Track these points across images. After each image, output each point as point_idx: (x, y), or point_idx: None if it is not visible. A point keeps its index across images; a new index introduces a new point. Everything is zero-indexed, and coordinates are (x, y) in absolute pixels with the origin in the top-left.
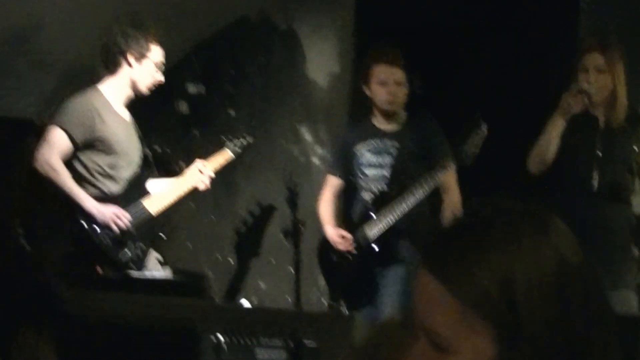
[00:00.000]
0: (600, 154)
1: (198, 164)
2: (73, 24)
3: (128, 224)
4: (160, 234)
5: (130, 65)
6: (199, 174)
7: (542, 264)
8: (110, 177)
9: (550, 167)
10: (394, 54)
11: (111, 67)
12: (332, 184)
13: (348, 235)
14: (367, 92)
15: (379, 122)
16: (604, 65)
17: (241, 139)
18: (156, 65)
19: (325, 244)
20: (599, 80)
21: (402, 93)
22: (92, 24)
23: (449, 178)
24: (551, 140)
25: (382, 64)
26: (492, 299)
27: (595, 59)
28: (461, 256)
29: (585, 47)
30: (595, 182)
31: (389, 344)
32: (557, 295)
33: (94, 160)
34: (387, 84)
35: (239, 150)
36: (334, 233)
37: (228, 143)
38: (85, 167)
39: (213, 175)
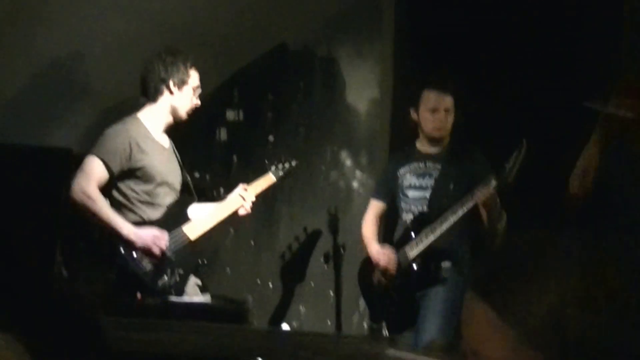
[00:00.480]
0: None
1: (240, 189)
2: (113, 55)
3: (167, 244)
4: (200, 259)
5: (171, 92)
6: (241, 199)
7: (594, 298)
8: (149, 203)
9: (591, 190)
10: (446, 80)
11: (152, 96)
12: (375, 208)
13: (392, 253)
14: (415, 117)
15: (424, 146)
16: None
17: (285, 163)
18: (194, 90)
19: (366, 266)
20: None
21: (450, 120)
22: (132, 55)
23: (489, 197)
24: (589, 164)
25: (433, 91)
26: (544, 330)
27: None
28: (516, 285)
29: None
30: None
31: None
32: (607, 329)
33: (133, 188)
34: (437, 112)
35: (282, 175)
36: (378, 250)
37: (271, 167)
38: (124, 195)
39: (254, 199)
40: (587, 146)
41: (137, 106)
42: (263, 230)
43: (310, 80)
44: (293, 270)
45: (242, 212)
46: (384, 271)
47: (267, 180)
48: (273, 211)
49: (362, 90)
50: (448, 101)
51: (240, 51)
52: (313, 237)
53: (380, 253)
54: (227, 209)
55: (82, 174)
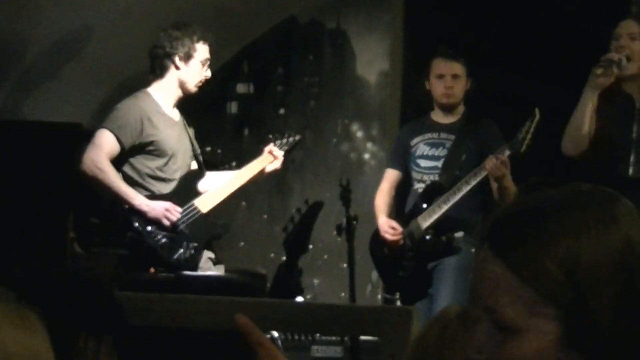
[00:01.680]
0: (636, 135)
1: (273, 148)
2: (123, 30)
3: (179, 216)
4: (213, 233)
5: (177, 67)
6: (268, 157)
7: (608, 246)
8: (161, 179)
9: (585, 147)
10: (453, 47)
11: (159, 71)
12: (390, 177)
13: (398, 227)
14: (427, 87)
15: (437, 116)
16: (638, 32)
17: (289, 138)
18: (202, 62)
19: (378, 237)
20: (632, 48)
21: (459, 86)
22: (142, 30)
23: (501, 166)
24: (583, 117)
25: (440, 58)
26: (556, 281)
27: (628, 27)
28: (526, 238)
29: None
30: (631, 167)
31: (448, 335)
32: (622, 278)
33: (144, 163)
34: (444, 78)
35: (287, 148)
36: (384, 223)
37: (276, 142)
38: (136, 170)
39: (281, 157)
40: (583, 94)
41: (147, 81)
42: (276, 204)
43: (320, 53)
44: (298, 242)
45: (271, 167)
46: (390, 245)
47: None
48: (285, 185)
49: (372, 62)
50: (456, 67)
51: (250, 24)
52: (315, 208)
53: (386, 226)
54: (241, 177)
55: (93, 147)
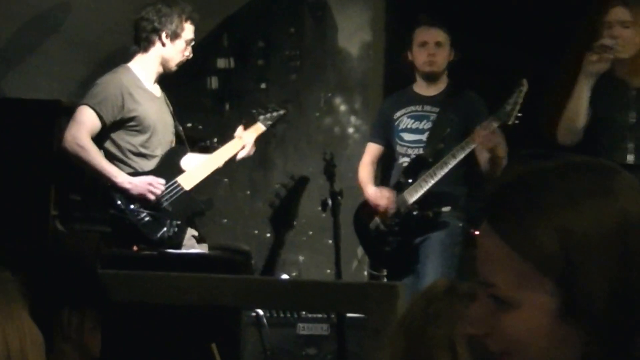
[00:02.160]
0: (633, 121)
1: (243, 133)
2: (103, 3)
3: (163, 190)
4: (196, 210)
5: (163, 44)
6: (240, 143)
7: (603, 218)
8: (143, 155)
9: (581, 137)
10: (435, 14)
11: (144, 45)
12: (371, 150)
13: (390, 194)
14: (410, 57)
15: (420, 88)
16: (630, 20)
17: (273, 112)
18: (187, 42)
19: (363, 211)
20: (624, 36)
21: (442, 54)
22: (123, 3)
23: (492, 138)
24: (579, 105)
25: (422, 26)
26: (550, 253)
27: (619, 13)
28: (520, 210)
29: (610, 1)
30: (630, 154)
31: (433, 310)
32: (617, 251)
33: (126, 140)
34: (426, 45)
35: (271, 123)
36: (374, 191)
37: (260, 117)
38: (117, 146)
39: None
40: (577, 82)
41: (127, 56)
42: (258, 180)
43: (301, 25)
44: (283, 218)
45: (245, 153)
46: (384, 212)
47: (256, 129)
48: (267, 160)
49: (354, 33)
50: (439, 34)
51: None
52: (302, 187)
53: (377, 194)
54: (223, 156)
55: (74, 124)
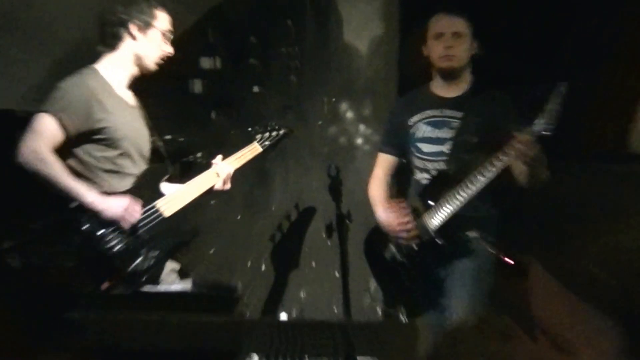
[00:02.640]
0: None
1: (217, 165)
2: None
3: (140, 216)
4: (178, 239)
5: (133, 37)
6: (215, 176)
7: None
8: (114, 172)
9: None
10: (453, 5)
11: (111, 42)
12: (383, 163)
13: (408, 215)
14: (425, 52)
15: (439, 88)
16: None
17: (273, 131)
18: (163, 34)
19: (376, 237)
20: None
21: (462, 47)
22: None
23: (529, 148)
24: None
25: (438, 15)
26: (613, 295)
27: None
28: (580, 251)
29: None
30: None
31: (463, 351)
32: None
33: (93, 155)
34: (444, 36)
35: (269, 144)
36: (388, 215)
37: (257, 136)
38: (84, 163)
39: (231, 170)
40: None
41: (95, 56)
42: (252, 201)
43: (300, 18)
44: (286, 252)
45: (218, 186)
46: (401, 236)
47: (252, 150)
48: (263, 177)
49: (363, 26)
50: (457, 24)
51: None
52: (306, 214)
53: (391, 217)
54: (201, 186)
55: (32, 134)
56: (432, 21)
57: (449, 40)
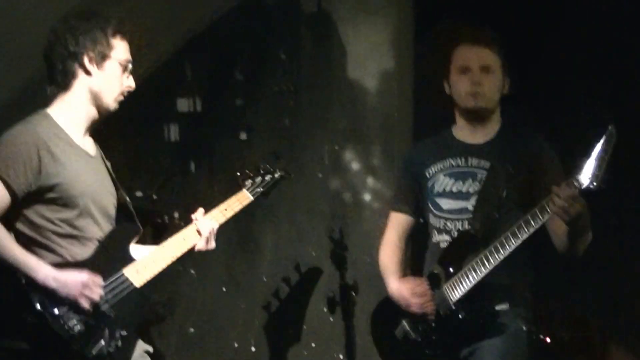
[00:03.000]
0: None
1: (198, 221)
2: (12, 31)
3: (102, 294)
4: (150, 315)
5: (87, 72)
6: (196, 234)
7: None
8: (73, 237)
9: None
10: (481, 30)
11: (62, 79)
12: (396, 224)
13: (424, 288)
14: (447, 89)
15: (462, 133)
16: None
17: (266, 175)
18: (122, 65)
19: (385, 313)
20: None
21: (492, 83)
22: (36, 24)
23: (571, 205)
24: None
25: (463, 45)
26: None
27: None
28: None
29: None
30: None
31: None
32: None
33: (47, 217)
34: (470, 71)
35: (262, 191)
36: (402, 288)
37: (246, 181)
38: (35, 227)
39: (216, 226)
40: None
41: (45, 99)
42: (239, 269)
43: (296, 48)
44: (283, 328)
45: (201, 247)
46: (418, 315)
47: (241, 199)
48: (252, 238)
49: (370, 58)
50: (487, 56)
51: (195, 8)
52: (309, 278)
53: (406, 290)
54: (179, 248)
55: None
56: (455, 53)
57: (477, 76)
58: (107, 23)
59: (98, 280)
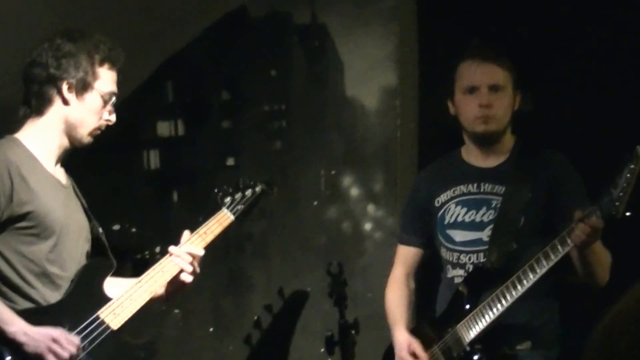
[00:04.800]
0: None
1: (174, 250)
2: None
3: (74, 352)
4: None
5: (65, 101)
6: (176, 261)
7: None
8: (45, 276)
9: None
10: (489, 47)
11: (36, 103)
12: (404, 258)
13: (422, 355)
14: (452, 110)
15: (472, 155)
16: None
17: (246, 190)
18: (105, 98)
19: (392, 353)
20: None
21: (502, 103)
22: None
23: (593, 234)
24: None
25: (469, 60)
26: None
27: None
28: None
29: None
30: None
31: None
32: None
33: (18, 249)
34: (478, 91)
35: (243, 208)
36: (402, 344)
37: (225, 199)
38: (9, 264)
39: (201, 253)
40: None
41: (16, 123)
42: (227, 307)
43: (288, 64)
44: None
45: (185, 277)
46: None
47: (221, 220)
48: (241, 274)
49: (370, 73)
50: (496, 73)
51: (176, 22)
52: (295, 303)
53: (405, 347)
54: (158, 281)
55: None
56: (461, 70)
57: (486, 97)
58: (96, 48)
59: (73, 338)
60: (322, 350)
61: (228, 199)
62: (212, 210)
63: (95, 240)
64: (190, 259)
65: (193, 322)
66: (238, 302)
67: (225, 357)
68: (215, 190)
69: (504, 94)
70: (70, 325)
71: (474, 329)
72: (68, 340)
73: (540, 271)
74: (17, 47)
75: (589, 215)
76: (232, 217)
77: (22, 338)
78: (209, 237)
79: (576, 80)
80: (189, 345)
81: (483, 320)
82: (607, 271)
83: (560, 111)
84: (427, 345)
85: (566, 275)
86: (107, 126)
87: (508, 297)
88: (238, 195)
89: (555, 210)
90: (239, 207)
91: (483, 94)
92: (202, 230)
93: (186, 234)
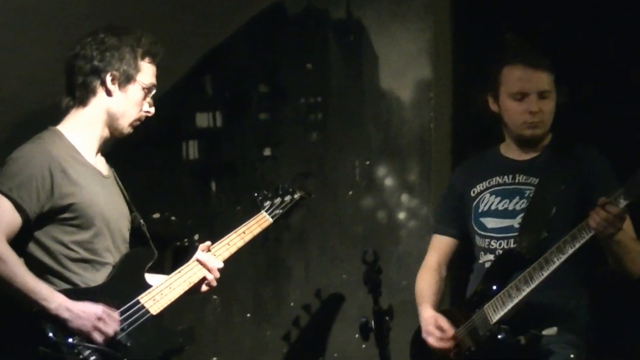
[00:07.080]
0: None
1: (199, 253)
2: (23, 46)
3: (118, 329)
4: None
5: (108, 92)
6: (199, 267)
7: None
8: (86, 261)
9: None
10: (536, 51)
11: (80, 95)
12: (438, 246)
13: (449, 328)
14: (494, 108)
15: (510, 151)
16: None
17: (286, 196)
18: (145, 90)
19: (422, 341)
20: None
21: (549, 109)
22: (49, 45)
23: (617, 221)
24: None
25: (518, 66)
26: None
27: None
28: None
29: None
30: None
31: None
32: None
33: (60, 239)
34: (526, 98)
35: (282, 212)
36: (429, 319)
37: (265, 202)
38: (47, 251)
39: (221, 265)
40: None
41: (58, 115)
42: (265, 294)
43: (324, 58)
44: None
45: (205, 288)
46: (436, 354)
47: (260, 222)
48: (277, 264)
49: (405, 67)
50: (544, 80)
51: (215, 18)
52: (332, 305)
53: (431, 324)
54: (198, 272)
55: None
56: (507, 73)
57: (535, 104)
58: (138, 43)
59: (114, 314)
60: (357, 336)
61: (267, 203)
62: (249, 202)
63: (136, 230)
64: (214, 264)
65: (232, 309)
66: (276, 289)
67: (263, 342)
68: (255, 194)
69: (550, 98)
70: (111, 306)
71: (500, 310)
72: (110, 317)
73: (567, 252)
74: (60, 45)
75: (614, 199)
76: (270, 220)
77: (65, 314)
78: (248, 237)
79: (611, 74)
80: (227, 331)
81: (510, 301)
82: (634, 260)
83: (595, 105)
84: (454, 325)
85: (598, 266)
86: (147, 117)
87: (535, 278)
88: (277, 200)
89: (588, 203)
90: (278, 211)
91: (532, 101)
92: (241, 229)
93: (200, 248)
